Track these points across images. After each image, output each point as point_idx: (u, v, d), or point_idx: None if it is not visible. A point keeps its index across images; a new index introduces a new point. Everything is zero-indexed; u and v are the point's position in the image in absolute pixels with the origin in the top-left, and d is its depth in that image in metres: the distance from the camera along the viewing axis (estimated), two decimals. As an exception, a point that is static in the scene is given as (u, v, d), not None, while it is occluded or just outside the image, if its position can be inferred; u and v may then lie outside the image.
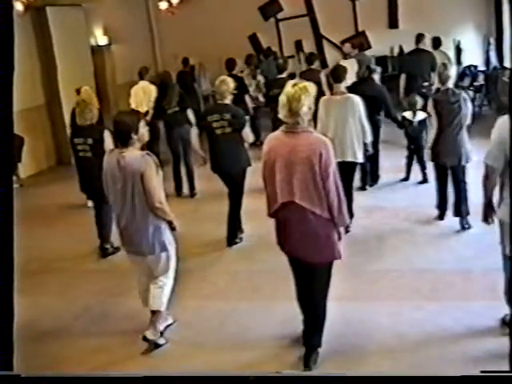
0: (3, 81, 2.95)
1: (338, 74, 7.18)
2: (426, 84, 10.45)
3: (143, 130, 4.85)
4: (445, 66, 7.41)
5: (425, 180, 8.82)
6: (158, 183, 4.77)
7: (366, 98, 7.42)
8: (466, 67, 14.22)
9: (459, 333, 4.84)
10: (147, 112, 9.87)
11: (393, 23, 15.46)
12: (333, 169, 4.19)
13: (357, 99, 6.98)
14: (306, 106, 4.20)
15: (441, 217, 7.34)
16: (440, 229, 7.11)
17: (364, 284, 5.87)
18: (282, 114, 4.26)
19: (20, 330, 3.16)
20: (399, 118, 8.81)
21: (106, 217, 6.90)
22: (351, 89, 7.74)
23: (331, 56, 15.47)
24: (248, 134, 7.06)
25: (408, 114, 8.82)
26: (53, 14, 12.11)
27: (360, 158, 7.06)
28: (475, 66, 14.27)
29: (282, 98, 4.25)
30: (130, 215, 4.82)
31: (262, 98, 11.65)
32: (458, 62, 14.73)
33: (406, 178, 9.11)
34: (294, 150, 4.21)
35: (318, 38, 16.11)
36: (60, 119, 12.08)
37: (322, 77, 10.40)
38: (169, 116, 9.37)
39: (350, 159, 6.97)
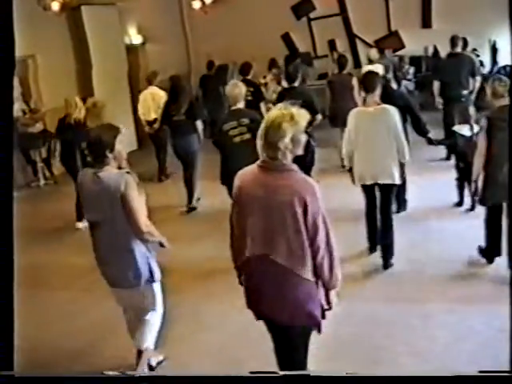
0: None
1: (369, 82, 6.20)
2: (465, 92, 9.54)
3: (120, 147, 4.26)
4: (500, 79, 5.80)
5: (473, 207, 7.37)
6: (140, 205, 4.21)
7: None
8: (501, 67, 14.02)
9: (489, 335, 4.79)
10: (155, 120, 9.54)
11: (426, 23, 15.29)
12: (322, 219, 3.37)
13: (393, 111, 6.02)
14: (287, 137, 3.34)
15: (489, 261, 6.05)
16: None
17: (393, 285, 5.83)
18: (258, 144, 3.47)
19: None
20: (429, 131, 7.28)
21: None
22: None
23: (365, 56, 15.37)
24: None
25: (461, 128, 7.55)
26: (88, 13, 12.28)
27: (397, 179, 6.07)
28: (511, 66, 14.07)
29: (261, 126, 3.46)
30: (111, 243, 4.26)
31: None
32: (494, 61, 14.56)
33: (460, 203, 7.76)
34: (272, 192, 3.39)
35: (351, 37, 16.02)
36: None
37: (355, 83, 9.67)
38: (174, 123, 8.68)
39: (384, 181, 6.06)
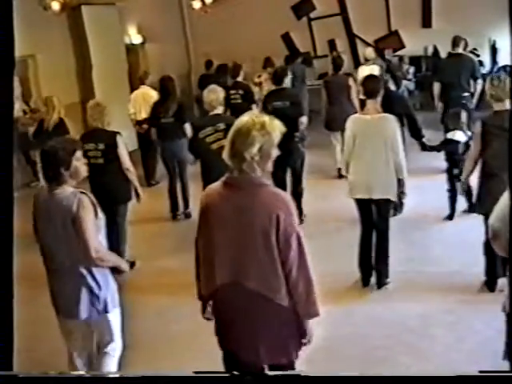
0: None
1: (371, 87, 5.69)
2: (466, 95, 9.21)
3: (78, 164, 3.88)
4: (498, 78, 5.23)
5: (472, 210, 6.70)
6: (93, 228, 3.79)
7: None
8: (501, 67, 14.04)
9: (489, 336, 4.80)
10: (146, 120, 9.33)
11: (426, 22, 15.31)
12: (296, 237, 3.05)
13: (393, 121, 5.54)
14: (255, 147, 3.02)
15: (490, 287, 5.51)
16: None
17: (394, 285, 5.85)
18: (224, 152, 3.18)
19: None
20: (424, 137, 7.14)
21: (121, 230, 6.57)
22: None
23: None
24: None
25: (454, 135, 7.14)
26: (88, 12, 12.29)
27: (392, 196, 5.60)
28: (511, 66, 14.09)
29: (230, 132, 3.18)
30: (63, 268, 3.87)
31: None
32: (494, 61, 14.57)
33: (451, 216, 7.39)
34: (240, 210, 3.08)
35: (351, 37, 16.04)
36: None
37: (352, 83, 9.32)
38: (162, 125, 8.37)
39: (378, 196, 5.58)
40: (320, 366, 4.37)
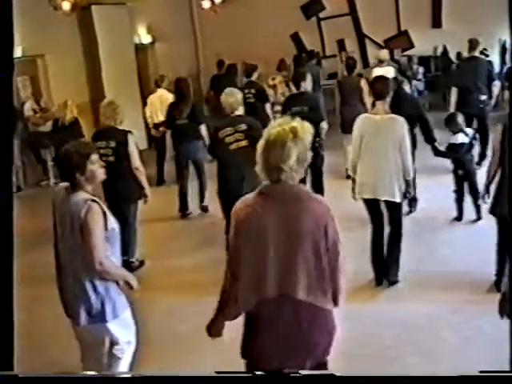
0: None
1: (380, 88, 5.74)
2: (483, 98, 9.19)
3: (94, 167, 3.76)
4: None
5: (479, 217, 7.13)
6: (101, 239, 3.66)
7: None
8: (510, 67, 13.97)
9: (498, 337, 4.79)
10: (163, 122, 9.32)
11: (436, 22, 15.27)
12: (339, 241, 3.01)
13: (401, 121, 5.51)
14: (292, 158, 2.91)
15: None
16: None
17: (403, 285, 5.84)
18: (257, 166, 3.02)
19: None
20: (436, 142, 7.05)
21: (131, 229, 6.55)
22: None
23: (374, 56, 15.35)
24: None
25: (456, 139, 7.16)
26: (98, 12, 12.35)
27: (398, 197, 5.58)
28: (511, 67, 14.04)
29: (260, 144, 3.00)
30: (66, 272, 3.82)
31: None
32: (503, 61, 14.51)
33: (459, 218, 7.35)
34: (285, 221, 2.96)
35: (361, 37, 16.02)
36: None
37: (363, 85, 9.26)
38: (177, 127, 8.39)
39: (383, 197, 5.62)
40: (330, 366, 4.38)
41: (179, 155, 8.54)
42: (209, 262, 6.55)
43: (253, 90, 9.80)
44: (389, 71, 9.28)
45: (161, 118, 9.56)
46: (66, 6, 11.14)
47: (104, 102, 6.81)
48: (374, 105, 5.97)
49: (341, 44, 16.04)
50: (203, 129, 8.09)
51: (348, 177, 6.56)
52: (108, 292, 3.79)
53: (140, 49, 14.24)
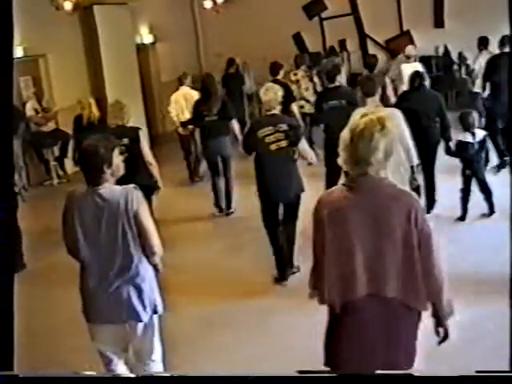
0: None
1: (368, 86, 6.16)
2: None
3: (118, 161, 3.73)
4: None
5: (492, 211, 7.17)
6: (153, 224, 3.72)
7: (418, 112, 6.62)
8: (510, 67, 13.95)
9: (502, 337, 4.78)
10: (190, 120, 9.36)
11: (438, 22, 15.25)
12: (432, 236, 2.91)
13: (395, 114, 5.70)
14: (380, 151, 2.81)
15: None
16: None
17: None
18: (341, 159, 2.94)
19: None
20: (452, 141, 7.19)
21: None
22: (400, 102, 7.00)
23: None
24: (307, 151, 5.99)
25: (465, 137, 7.12)
26: (100, 12, 12.34)
27: (405, 185, 5.45)
28: (510, 68, 13.99)
29: (345, 136, 2.91)
30: (119, 269, 3.65)
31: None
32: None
33: (463, 218, 7.30)
34: (375, 215, 2.86)
35: (363, 37, 16.00)
36: (105, 116, 12.26)
37: (388, 83, 8.99)
38: (206, 124, 8.34)
39: None
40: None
41: (207, 151, 8.48)
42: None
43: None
44: (416, 67, 9.29)
45: (187, 116, 9.48)
46: (68, 5, 11.15)
47: (111, 101, 6.97)
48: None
49: (342, 44, 16.01)
50: (235, 124, 8.13)
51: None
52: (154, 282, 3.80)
53: (142, 49, 14.25)
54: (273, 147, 5.84)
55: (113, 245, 3.61)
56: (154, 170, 6.67)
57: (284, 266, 6.09)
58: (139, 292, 3.68)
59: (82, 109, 9.73)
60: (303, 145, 5.93)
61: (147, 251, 3.67)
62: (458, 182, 7.41)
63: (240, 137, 7.76)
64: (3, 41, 2.91)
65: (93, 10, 12.20)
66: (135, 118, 9.88)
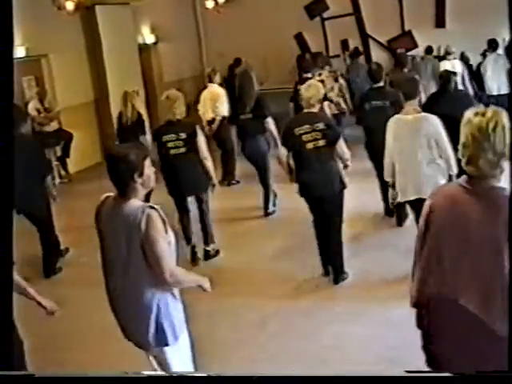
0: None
1: (409, 88, 5.90)
2: None
3: (149, 172, 3.40)
4: None
5: None
6: (167, 248, 3.34)
7: (446, 117, 6.01)
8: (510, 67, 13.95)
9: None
10: (213, 120, 9.32)
11: (440, 22, 15.24)
12: None
13: (434, 120, 5.57)
14: (489, 149, 2.66)
15: None
16: None
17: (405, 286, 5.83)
18: (464, 160, 2.76)
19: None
20: None
21: (207, 216, 6.84)
22: (428, 105, 6.72)
23: (378, 56, 15.32)
24: (344, 150, 5.80)
25: None
26: (102, 12, 12.37)
27: None
28: (510, 68, 13.98)
29: (467, 135, 2.72)
30: (122, 289, 3.43)
31: (343, 104, 10.35)
32: (510, 62, 14.46)
33: None
34: (473, 221, 2.71)
35: (364, 37, 16.00)
36: (108, 116, 12.29)
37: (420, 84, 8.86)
38: (241, 122, 8.25)
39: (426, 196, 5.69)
40: (334, 367, 4.40)
41: (246, 151, 8.30)
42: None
43: None
44: (455, 64, 9.31)
45: (211, 114, 9.36)
46: (70, 5, 11.17)
47: (162, 97, 6.86)
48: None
49: (344, 44, 16.01)
50: (270, 122, 7.90)
51: (385, 183, 6.30)
52: (176, 306, 3.47)
53: (144, 49, 14.26)
54: (310, 146, 5.74)
55: (119, 262, 3.40)
56: (209, 164, 6.61)
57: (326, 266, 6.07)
58: (144, 319, 3.40)
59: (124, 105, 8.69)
60: (341, 144, 5.77)
61: (157, 279, 3.32)
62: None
63: (275, 133, 7.69)
64: (4, 41, 2.92)
65: (95, 10, 12.24)
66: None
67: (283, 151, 5.97)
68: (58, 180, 10.97)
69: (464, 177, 2.81)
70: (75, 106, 11.55)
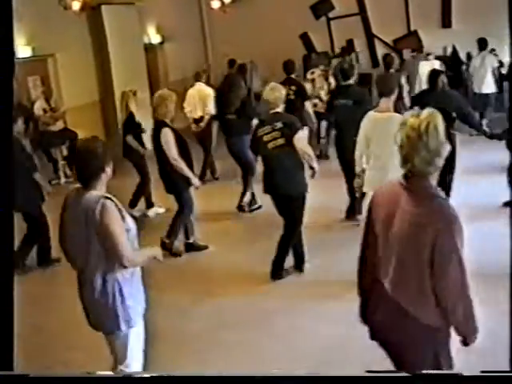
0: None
1: (383, 85, 5.93)
2: None
3: (111, 165, 3.63)
4: None
5: None
6: (123, 234, 3.49)
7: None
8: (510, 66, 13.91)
9: (504, 336, 4.77)
10: (202, 118, 9.40)
11: (446, 22, 15.21)
12: (457, 258, 2.94)
13: (399, 118, 5.89)
14: (422, 149, 2.85)
15: None
16: None
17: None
18: (401, 159, 2.97)
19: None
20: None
21: (188, 218, 6.95)
22: (416, 102, 6.83)
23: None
24: (305, 149, 5.92)
25: None
26: (108, 12, 12.40)
27: None
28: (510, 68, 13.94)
29: (402, 136, 2.93)
30: (83, 275, 3.64)
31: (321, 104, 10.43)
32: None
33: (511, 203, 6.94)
34: (404, 218, 2.91)
35: (370, 37, 15.98)
36: (113, 115, 12.32)
37: (404, 82, 8.93)
38: (226, 122, 8.50)
39: None
40: (336, 367, 4.39)
41: (230, 150, 8.50)
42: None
43: (293, 87, 9.58)
44: (434, 64, 9.40)
45: (200, 113, 9.50)
46: (76, 5, 11.21)
47: (156, 93, 6.94)
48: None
49: (350, 44, 15.99)
50: (255, 124, 7.99)
51: (351, 180, 6.50)
52: (131, 297, 3.63)
53: (149, 49, 14.29)
54: (270, 145, 5.90)
55: (80, 250, 3.57)
56: (184, 168, 6.62)
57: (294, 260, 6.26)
58: (105, 304, 3.58)
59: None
60: (299, 142, 5.85)
61: (116, 259, 3.49)
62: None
63: None
64: (4, 41, 2.93)
65: (101, 10, 12.27)
66: (143, 117, 9.94)
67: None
68: (63, 179, 10.99)
69: (403, 176, 2.98)
70: (81, 106, 11.58)
